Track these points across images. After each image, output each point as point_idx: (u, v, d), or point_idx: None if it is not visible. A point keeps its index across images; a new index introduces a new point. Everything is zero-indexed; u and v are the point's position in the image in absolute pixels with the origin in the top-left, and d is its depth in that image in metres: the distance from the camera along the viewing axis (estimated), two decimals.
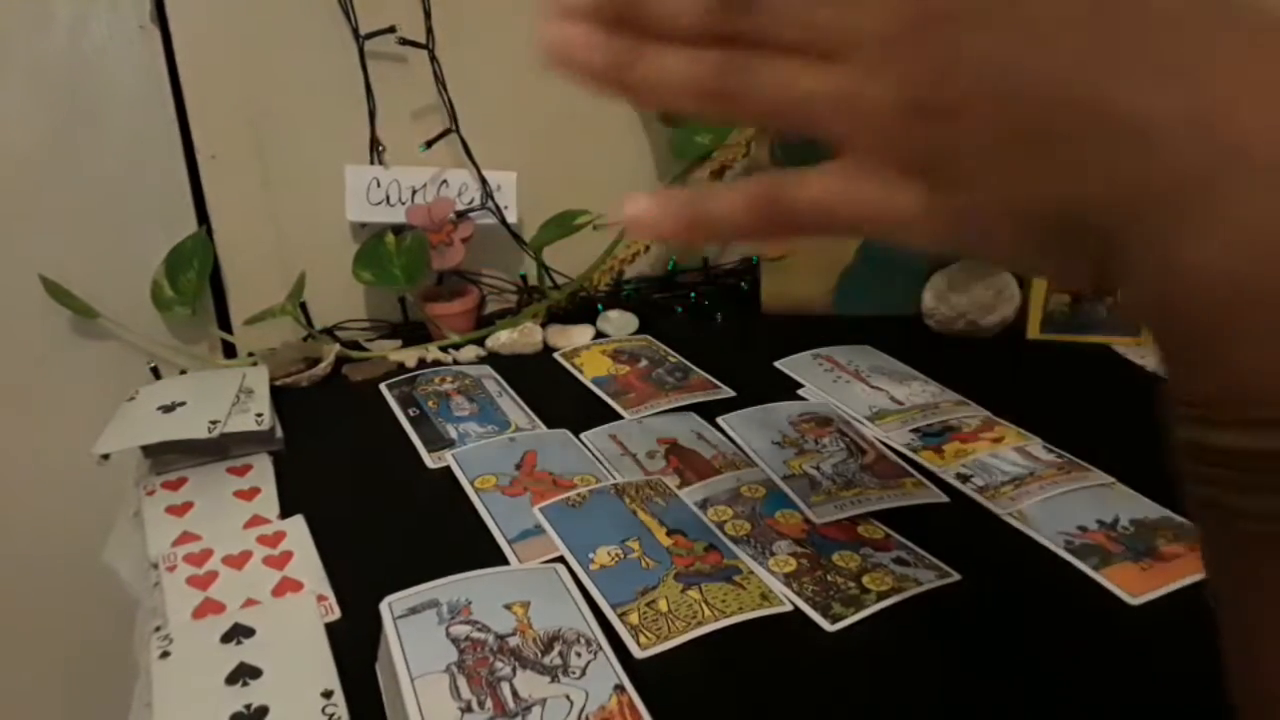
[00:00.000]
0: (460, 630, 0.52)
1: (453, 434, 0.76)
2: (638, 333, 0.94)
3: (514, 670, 0.50)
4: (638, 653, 0.52)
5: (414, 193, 0.93)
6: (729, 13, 0.29)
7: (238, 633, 0.55)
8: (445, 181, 0.94)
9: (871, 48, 0.27)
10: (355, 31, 0.88)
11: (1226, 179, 0.23)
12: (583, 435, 0.75)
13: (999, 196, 0.27)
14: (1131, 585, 0.56)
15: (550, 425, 0.77)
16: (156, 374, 0.87)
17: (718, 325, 0.97)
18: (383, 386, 0.85)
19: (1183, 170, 0.24)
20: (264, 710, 0.50)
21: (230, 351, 0.93)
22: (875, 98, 0.27)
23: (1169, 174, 0.24)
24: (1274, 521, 0.25)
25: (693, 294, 1.01)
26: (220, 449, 0.72)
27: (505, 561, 0.61)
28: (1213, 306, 0.24)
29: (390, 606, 0.54)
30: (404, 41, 0.89)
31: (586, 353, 0.90)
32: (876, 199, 0.29)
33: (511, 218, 0.96)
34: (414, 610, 0.53)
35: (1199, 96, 0.24)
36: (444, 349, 0.91)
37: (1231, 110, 0.24)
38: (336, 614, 0.57)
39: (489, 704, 0.48)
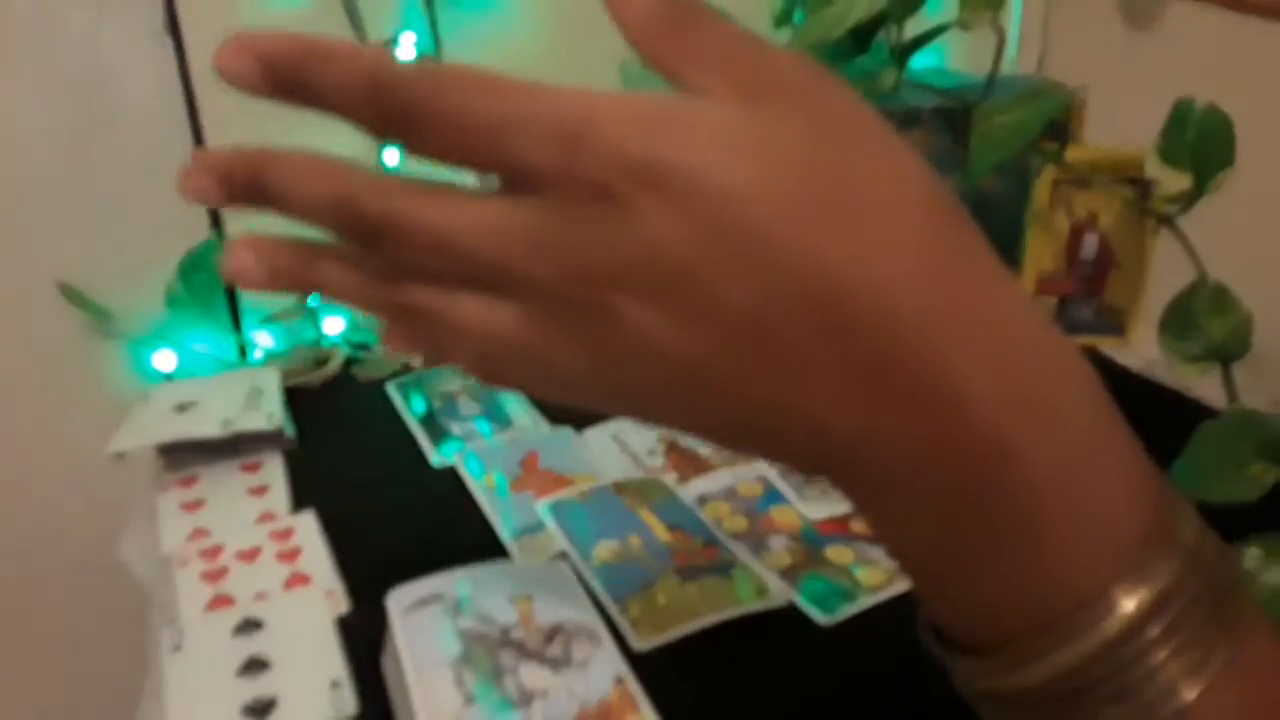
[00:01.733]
0: (464, 623, 0.53)
1: (458, 432, 0.77)
2: None
3: (517, 662, 0.51)
4: (637, 645, 0.54)
5: None
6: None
7: (249, 626, 0.56)
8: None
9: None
10: (364, 41, 0.90)
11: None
12: (584, 434, 0.77)
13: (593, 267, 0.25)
14: None
15: (553, 424, 0.78)
16: (170, 377, 0.89)
17: None
18: (390, 386, 0.86)
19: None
20: (274, 702, 0.51)
21: (243, 353, 0.94)
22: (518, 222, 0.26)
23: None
24: None
25: None
26: (233, 447, 0.74)
27: (509, 557, 0.62)
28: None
29: (396, 600, 0.55)
30: (414, 52, 0.91)
31: None
32: (482, 313, 0.27)
33: None
34: (419, 604, 0.54)
35: None
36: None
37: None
38: (345, 607, 0.58)
39: (493, 695, 0.49)
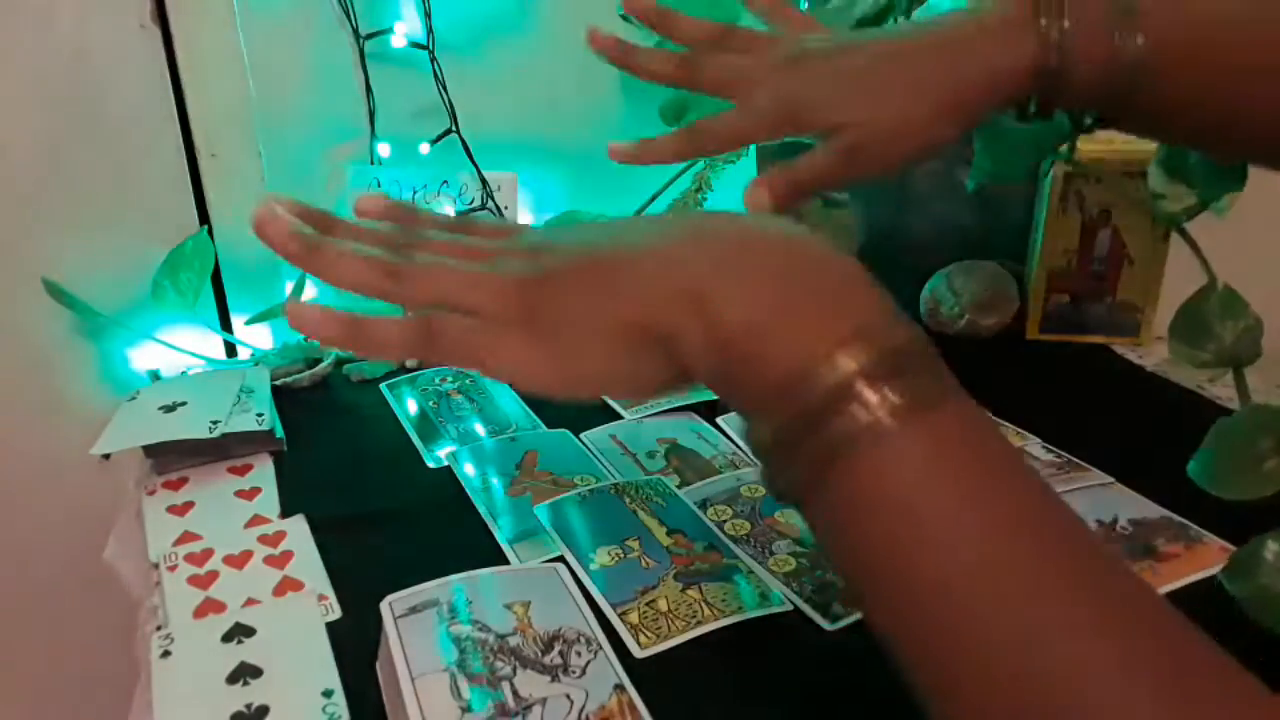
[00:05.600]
0: (461, 630, 0.52)
1: (453, 433, 0.76)
2: None
3: (514, 670, 0.50)
4: (638, 652, 0.52)
5: (415, 193, 0.93)
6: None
7: (238, 632, 0.55)
8: (446, 182, 0.94)
9: (505, 251, 0.43)
10: (355, 32, 0.88)
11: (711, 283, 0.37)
12: (583, 435, 0.75)
13: (585, 319, 0.40)
14: None
15: (550, 425, 0.77)
16: (156, 375, 0.87)
17: None
18: (383, 386, 0.85)
19: (688, 282, 0.38)
20: (264, 710, 0.50)
21: (231, 352, 0.93)
22: (497, 273, 0.41)
23: (683, 284, 0.38)
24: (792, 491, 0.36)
25: None
26: (221, 449, 0.72)
27: (506, 561, 0.61)
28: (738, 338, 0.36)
29: (390, 606, 0.54)
30: (405, 43, 0.89)
31: None
32: (498, 342, 0.41)
33: (512, 218, 0.96)
34: (414, 610, 0.53)
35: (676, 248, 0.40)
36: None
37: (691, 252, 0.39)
38: (337, 613, 0.57)
39: (489, 703, 0.48)
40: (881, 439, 0.32)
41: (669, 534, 0.62)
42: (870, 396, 0.32)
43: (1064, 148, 0.76)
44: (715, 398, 0.79)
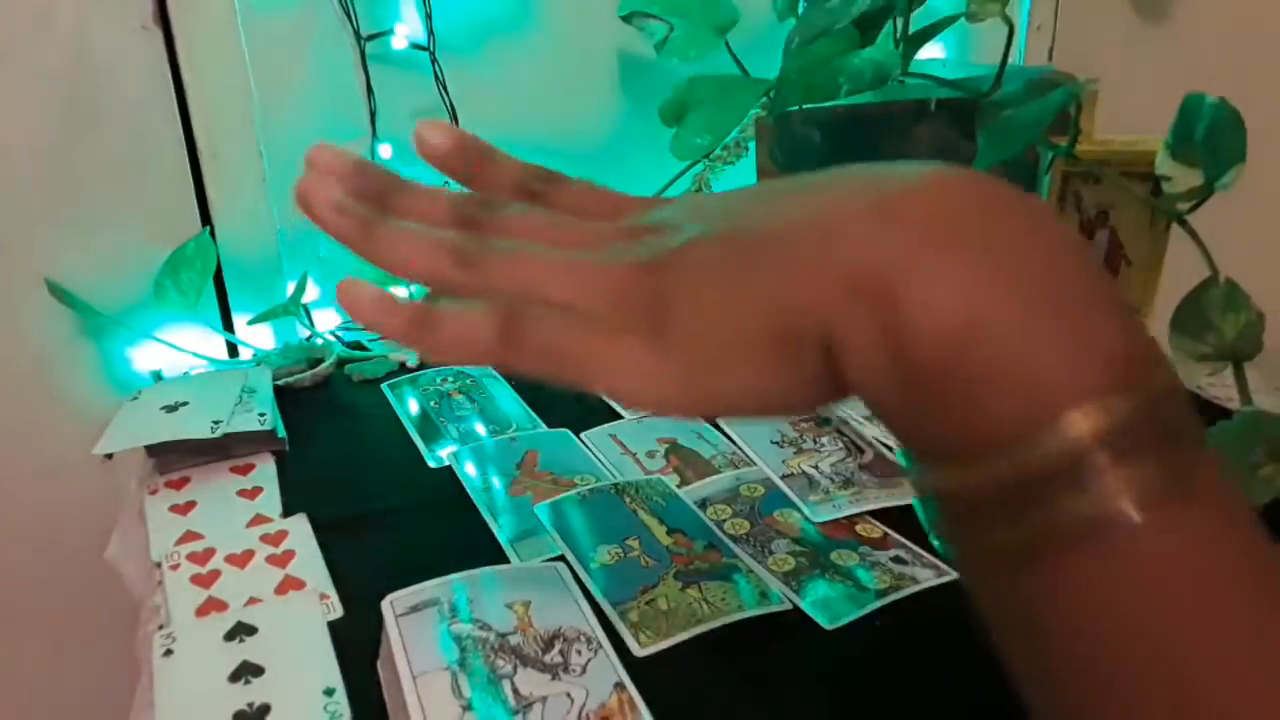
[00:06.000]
0: (461, 629, 0.52)
1: (454, 433, 0.76)
2: None
3: (515, 668, 0.50)
4: (638, 651, 0.52)
5: None
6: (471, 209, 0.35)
7: (240, 631, 0.55)
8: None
9: (611, 235, 0.34)
10: (356, 33, 0.89)
11: (914, 259, 0.27)
12: (583, 435, 0.75)
13: (723, 321, 0.30)
14: None
15: (550, 425, 0.77)
16: (159, 375, 0.88)
17: None
18: (384, 386, 0.85)
19: (868, 269, 0.27)
20: (266, 708, 0.50)
21: (233, 352, 0.93)
22: (611, 270, 0.32)
23: (861, 270, 0.27)
24: (1003, 545, 0.27)
25: None
26: (223, 449, 0.72)
27: (506, 560, 0.61)
28: (941, 353, 0.26)
29: (392, 605, 0.54)
30: (406, 44, 0.89)
31: None
32: (609, 347, 0.31)
33: None
34: (415, 609, 0.54)
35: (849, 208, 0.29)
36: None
37: (895, 205, 0.28)
38: (339, 612, 0.57)
39: (490, 702, 0.48)
40: (1119, 533, 0.25)
41: (669, 533, 0.62)
42: (1118, 474, 0.25)
43: (1062, 143, 0.76)
44: None
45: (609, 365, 0.31)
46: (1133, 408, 0.25)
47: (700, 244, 0.31)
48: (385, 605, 0.54)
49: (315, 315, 0.94)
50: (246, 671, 0.52)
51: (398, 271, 0.34)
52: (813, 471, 0.68)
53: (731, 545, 0.61)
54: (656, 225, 0.33)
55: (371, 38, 0.89)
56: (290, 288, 0.91)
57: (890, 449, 0.71)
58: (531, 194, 0.37)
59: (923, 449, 0.29)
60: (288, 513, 0.67)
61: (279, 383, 0.83)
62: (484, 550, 0.62)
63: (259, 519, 0.66)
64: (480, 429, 0.77)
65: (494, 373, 0.86)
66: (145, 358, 0.90)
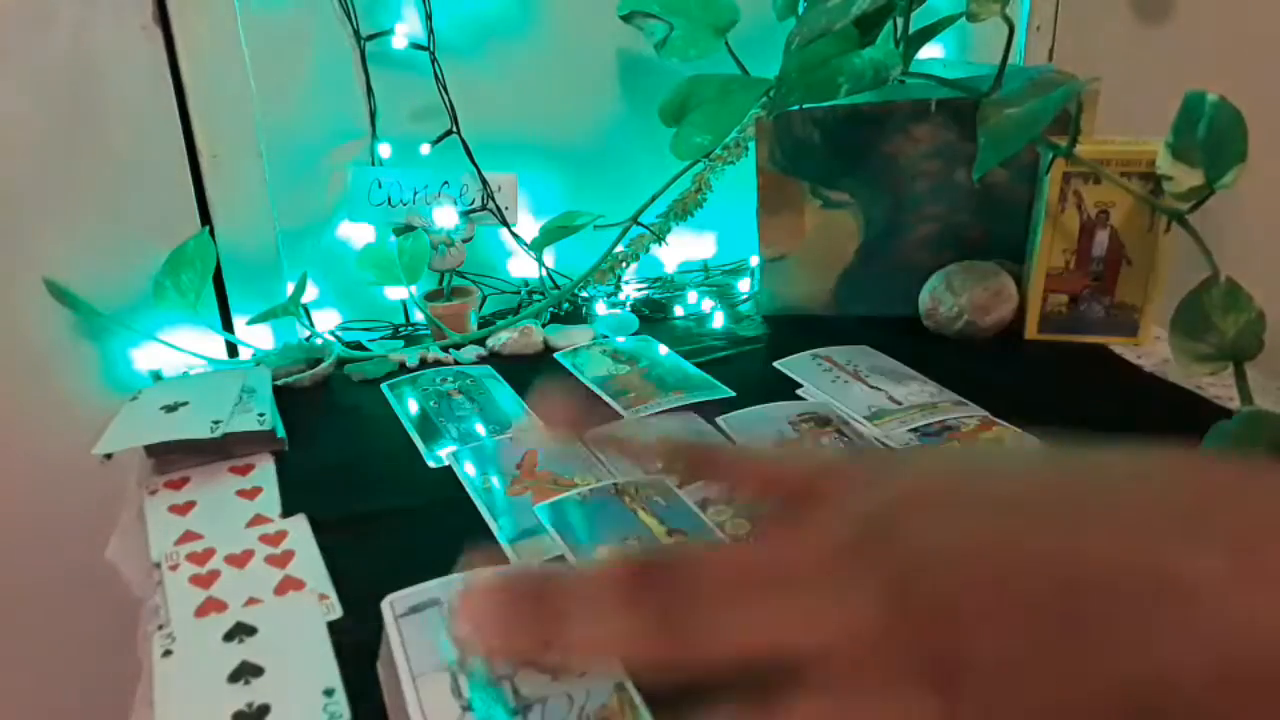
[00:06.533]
0: None
1: (454, 433, 0.76)
2: (638, 333, 0.94)
3: (515, 669, 0.50)
4: None
5: (415, 194, 0.93)
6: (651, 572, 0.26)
7: (240, 631, 0.55)
8: (446, 182, 0.94)
9: (833, 558, 0.24)
10: (356, 33, 0.89)
11: None
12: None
13: (1053, 697, 0.22)
14: None
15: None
16: (158, 375, 0.88)
17: (717, 325, 0.97)
18: (384, 386, 0.85)
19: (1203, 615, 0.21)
20: (266, 709, 0.50)
21: (233, 352, 0.93)
22: (856, 605, 0.24)
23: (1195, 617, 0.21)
24: None
25: (697, 292, 1.01)
26: (223, 449, 0.72)
27: (506, 561, 0.61)
28: None
29: (392, 605, 0.54)
30: (406, 44, 0.89)
31: (586, 352, 0.90)
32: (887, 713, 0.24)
33: (512, 219, 0.96)
34: (415, 609, 0.53)
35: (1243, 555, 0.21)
36: (445, 349, 0.91)
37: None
38: (338, 612, 0.57)
39: (490, 702, 0.48)
40: None
41: (669, 533, 0.62)
42: None
43: (1063, 143, 0.76)
44: (714, 397, 0.79)
45: None
46: None
47: (967, 563, 0.23)
48: (385, 606, 0.53)
49: (315, 315, 0.94)
50: (246, 672, 0.52)
51: (592, 668, 0.29)
52: None
53: None
54: (886, 530, 0.25)
55: (371, 38, 0.89)
56: (290, 288, 0.91)
57: (889, 449, 0.71)
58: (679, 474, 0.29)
59: None
60: (287, 513, 0.67)
61: (278, 383, 0.83)
62: (484, 550, 0.62)
63: (258, 519, 0.66)
64: (480, 429, 0.77)
65: (494, 373, 0.86)
66: (144, 358, 0.90)
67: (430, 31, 0.90)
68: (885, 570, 0.24)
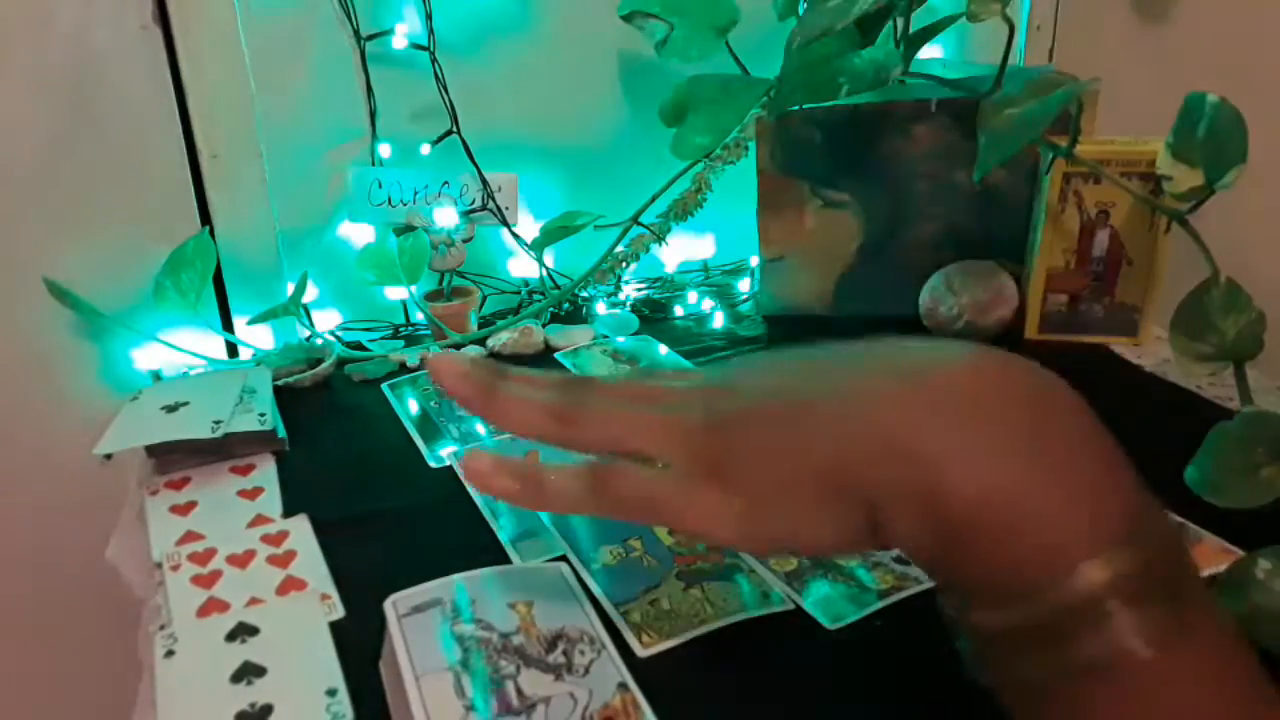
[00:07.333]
0: (464, 629, 0.52)
1: (455, 433, 0.76)
2: (638, 333, 0.95)
3: (518, 668, 0.50)
4: (640, 651, 0.53)
5: (415, 194, 0.93)
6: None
7: (242, 631, 0.55)
8: (447, 182, 0.94)
9: (682, 393, 0.40)
10: (356, 33, 0.89)
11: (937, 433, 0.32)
12: None
13: (779, 477, 0.35)
14: None
15: None
16: (158, 376, 0.88)
17: (718, 325, 0.97)
18: (385, 386, 0.85)
19: (903, 438, 0.33)
20: (268, 709, 0.50)
21: (233, 352, 0.93)
22: (684, 416, 0.38)
23: (896, 439, 0.33)
24: (1027, 678, 0.32)
25: (697, 292, 1.01)
26: (223, 449, 0.72)
27: (508, 560, 0.61)
28: (972, 515, 0.31)
29: (394, 605, 0.54)
30: (406, 44, 0.89)
31: (587, 353, 0.90)
32: (690, 495, 0.37)
33: (513, 219, 0.96)
34: (417, 609, 0.53)
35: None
36: (445, 349, 0.91)
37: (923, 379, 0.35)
38: (340, 613, 0.57)
39: (493, 702, 0.48)
40: (1132, 667, 0.29)
41: (670, 533, 0.62)
42: (1129, 619, 0.29)
43: (1063, 143, 0.76)
44: None
45: (687, 509, 0.37)
46: (1139, 558, 0.29)
47: (757, 405, 0.37)
48: (388, 606, 0.54)
49: (315, 315, 0.93)
50: (248, 672, 0.52)
51: (509, 428, 0.42)
52: None
53: None
54: (718, 387, 0.39)
55: (371, 38, 0.89)
56: (290, 288, 0.91)
57: None
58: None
59: (957, 593, 0.34)
60: (288, 513, 0.67)
61: (279, 383, 0.83)
62: (485, 550, 0.62)
63: (260, 519, 0.66)
64: (481, 429, 0.77)
65: None
66: (145, 358, 0.90)
67: (430, 31, 0.90)
68: (710, 403, 0.38)
